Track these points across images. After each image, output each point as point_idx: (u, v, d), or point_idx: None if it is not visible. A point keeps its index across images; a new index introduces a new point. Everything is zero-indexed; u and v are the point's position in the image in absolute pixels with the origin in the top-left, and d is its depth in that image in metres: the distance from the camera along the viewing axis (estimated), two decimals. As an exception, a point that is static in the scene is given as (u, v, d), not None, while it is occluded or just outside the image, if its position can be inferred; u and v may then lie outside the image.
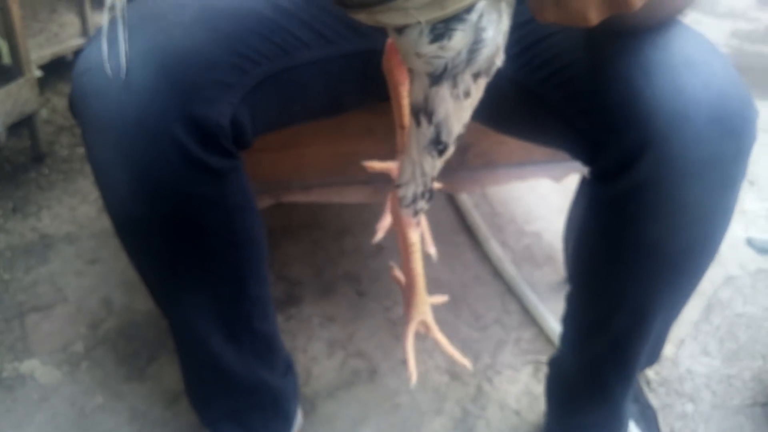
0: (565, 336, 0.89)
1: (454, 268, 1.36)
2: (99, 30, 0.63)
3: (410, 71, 0.57)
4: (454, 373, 1.12)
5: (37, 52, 1.76)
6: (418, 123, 0.58)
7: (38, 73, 1.63)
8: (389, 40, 0.68)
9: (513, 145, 1.04)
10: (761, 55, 2.53)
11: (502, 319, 1.24)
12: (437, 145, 0.59)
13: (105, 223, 1.40)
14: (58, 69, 1.87)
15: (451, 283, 1.31)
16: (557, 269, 1.37)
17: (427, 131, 0.57)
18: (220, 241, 0.71)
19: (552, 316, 1.21)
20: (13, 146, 1.65)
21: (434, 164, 0.61)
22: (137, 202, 0.64)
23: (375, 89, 0.83)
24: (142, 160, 0.61)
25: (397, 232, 0.69)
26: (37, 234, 1.37)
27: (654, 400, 1.08)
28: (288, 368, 0.91)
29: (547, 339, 1.19)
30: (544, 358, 1.15)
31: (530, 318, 1.24)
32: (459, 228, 1.49)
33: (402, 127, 0.72)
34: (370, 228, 1.47)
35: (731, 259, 1.41)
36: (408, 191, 0.64)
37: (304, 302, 1.24)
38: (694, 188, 0.65)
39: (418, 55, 0.52)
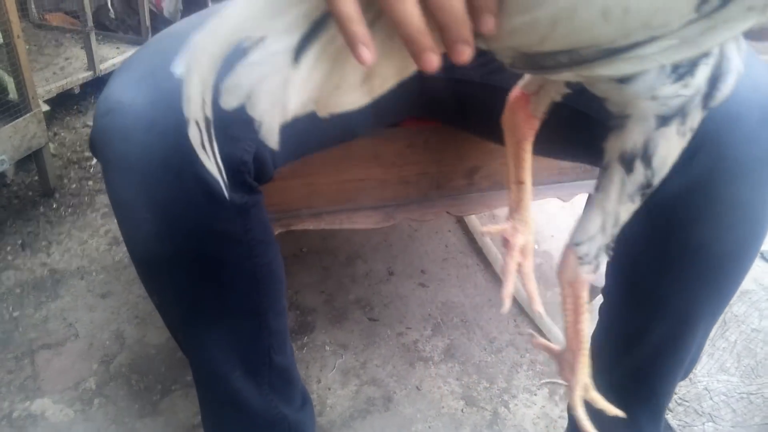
0: (596, 352, 0.87)
1: (466, 291, 1.35)
2: (123, 70, 0.64)
3: (618, 119, 0.51)
4: (469, 398, 1.10)
5: (44, 86, 1.78)
6: (630, 170, 0.52)
7: (45, 108, 1.64)
8: (513, 93, 0.62)
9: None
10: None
11: (516, 341, 1.22)
12: (647, 188, 0.53)
13: (116, 256, 1.40)
14: (65, 102, 1.88)
15: (464, 306, 1.30)
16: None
17: (641, 176, 0.52)
18: (241, 276, 0.71)
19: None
20: (21, 181, 1.66)
21: (632, 211, 0.55)
22: (161, 241, 0.64)
23: (385, 116, 0.83)
24: (167, 200, 0.61)
25: (566, 293, 0.63)
26: (47, 269, 1.37)
27: (673, 420, 1.07)
28: (305, 400, 0.91)
29: (563, 360, 1.18)
30: (560, 379, 1.14)
31: (544, 339, 1.23)
32: (470, 250, 1.48)
33: (519, 182, 0.66)
34: (380, 252, 1.47)
35: (745, 273, 1.40)
36: (593, 247, 0.57)
37: (316, 330, 1.23)
38: (744, 188, 0.65)
39: (654, 98, 0.46)
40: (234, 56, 0.43)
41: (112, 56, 2.04)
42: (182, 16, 1.03)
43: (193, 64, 0.43)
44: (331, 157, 0.95)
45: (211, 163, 0.47)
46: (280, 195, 0.99)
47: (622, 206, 0.53)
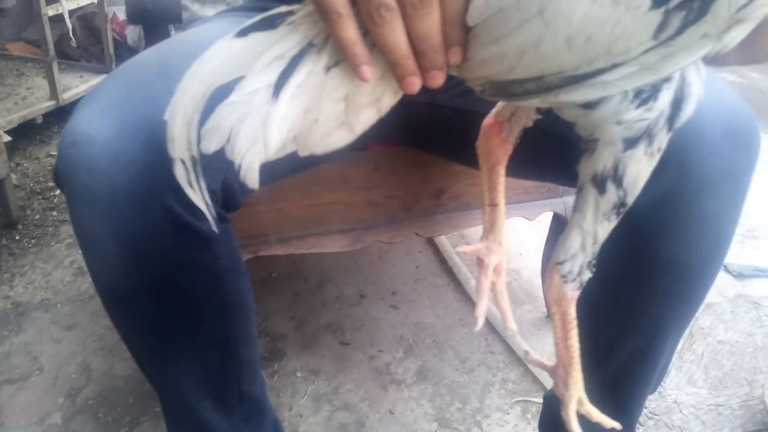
0: None
1: (438, 311, 1.35)
2: (88, 100, 0.63)
3: (587, 142, 0.53)
4: (443, 420, 1.10)
5: (5, 116, 1.75)
6: (603, 191, 0.54)
7: (6, 138, 1.62)
8: (487, 119, 0.64)
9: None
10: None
11: (488, 361, 1.23)
12: (621, 208, 0.55)
13: (81, 286, 1.37)
14: (27, 133, 1.86)
15: (435, 327, 1.30)
16: (538, 306, 1.38)
17: (613, 197, 0.54)
18: (210, 306, 0.70)
19: (537, 354, 1.20)
20: (-17, 213, 1.63)
21: (610, 229, 0.57)
22: (127, 272, 0.63)
23: (356, 142, 0.83)
24: (132, 231, 0.60)
25: (553, 311, 0.64)
26: (10, 302, 1.34)
27: (645, 434, 1.08)
28: (276, 429, 0.89)
29: (534, 378, 1.19)
30: (532, 397, 1.15)
31: (515, 358, 1.23)
32: (440, 270, 1.49)
33: (493, 205, 0.68)
34: (351, 275, 1.47)
35: (709, 286, 1.43)
36: (575, 265, 0.59)
37: (287, 357, 1.22)
38: (710, 200, 0.67)
39: (619, 122, 0.49)
40: (216, 98, 0.44)
41: (76, 85, 2.02)
42: (145, 45, 1.03)
43: (178, 105, 0.44)
44: (298, 181, 0.96)
45: (200, 199, 0.48)
46: (248, 221, 0.99)
47: (598, 225, 0.56)
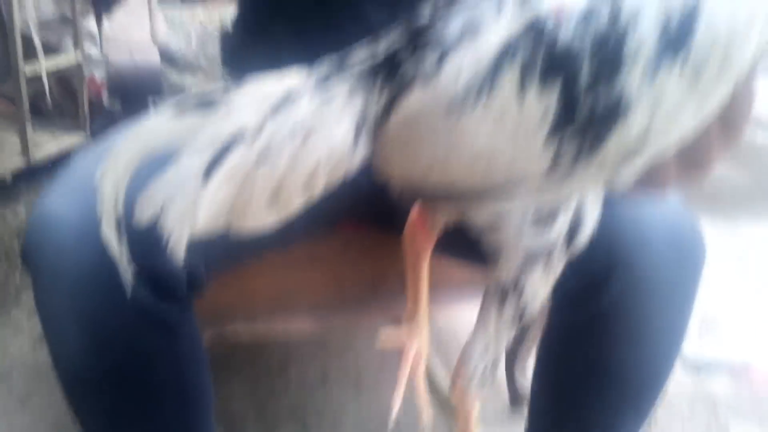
0: None
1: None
2: (59, 180, 0.65)
3: (498, 252, 0.57)
4: None
5: (-26, 174, 1.74)
6: (503, 300, 0.58)
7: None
8: (414, 211, 0.68)
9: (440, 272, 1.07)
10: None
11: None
12: (521, 318, 0.59)
13: (39, 357, 1.35)
14: (-6, 191, 1.84)
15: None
16: (500, 394, 1.38)
17: (514, 307, 0.58)
18: (169, 395, 0.70)
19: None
20: (-58, 274, 1.60)
21: (508, 336, 0.61)
22: (87, 354, 0.64)
23: (320, 222, 0.86)
24: (95, 313, 0.61)
25: (458, 411, 0.67)
26: (-36, 371, 1.31)
27: None
28: None
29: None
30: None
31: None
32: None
33: (416, 292, 0.71)
34: (315, 356, 1.47)
35: (667, 379, 1.46)
36: (480, 365, 0.63)
37: (247, 441, 1.21)
38: (656, 310, 0.71)
39: (520, 241, 0.53)
40: (149, 170, 0.45)
41: (48, 143, 2.02)
42: (122, 108, 1.06)
43: (109, 168, 0.47)
44: (265, 260, 0.96)
45: (123, 260, 0.49)
46: (213, 299, 0.99)
47: (500, 331, 0.61)
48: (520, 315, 0.59)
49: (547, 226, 0.53)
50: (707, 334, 1.68)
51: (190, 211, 0.45)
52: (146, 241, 0.60)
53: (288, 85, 0.48)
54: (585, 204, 0.53)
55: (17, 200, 1.96)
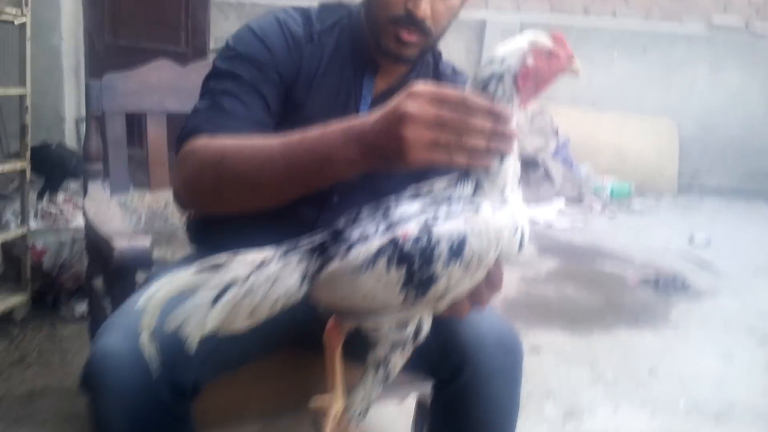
0: None
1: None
2: (110, 326, 0.98)
3: (373, 342, 0.94)
4: None
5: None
6: (376, 370, 0.95)
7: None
8: (330, 323, 1.02)
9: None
10: (544, 295, 3.18)
11: None
12: (386, 380, 0.96)
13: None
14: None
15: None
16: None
17: (382, 373, 0.95)
18: None
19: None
20: None
21: (379, 391, 0.97)
22: None
23: (270, 344, 1.19)
24: (138, 411, 0.93)
25: None
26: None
27: None
28: None
29: None
30: None
31: None
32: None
33: (333, 372, 1.03)
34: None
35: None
36: (357, 409, 0.98)
37: None
38: (493, 388, 1.12)
39: (387, 336, 0.93)
40: (177, 300, 0.82)
41: (-7, 305, 2.25)
42: (110, 291, 1.35)
43: (150, 298, 0.83)
44: (220, 380, 1.13)
45: (151, 356, 0.84)
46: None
47: (373, 388, 0.98)
48: (386, 378, 0.97)
49: (403, 329, 0.92)
50: (569, 423, 2.07)
51: (202, 322, 0.83)
52: (168, 357, 0.93)
53: (264, 255, 0.88)
54: (423, 319, 0.94)
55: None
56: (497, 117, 0.83)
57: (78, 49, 4.15)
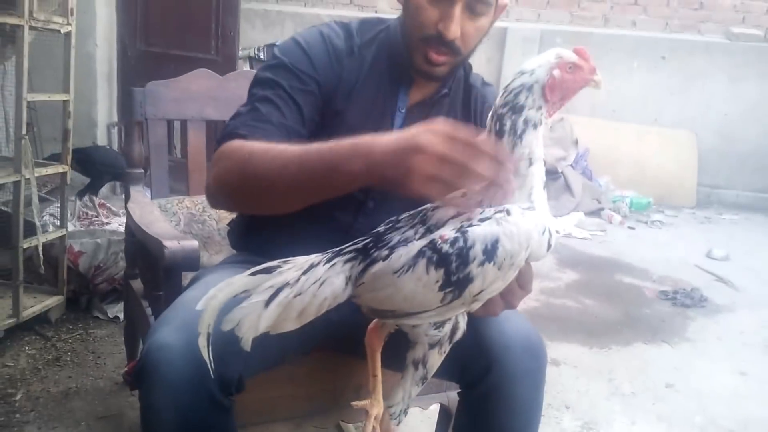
0: None
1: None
2: (164, 320, 1.05)
3: (413, 343, 1.00)
4: None
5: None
6: (416, 368, 1.01)
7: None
8: (371, 325, 1.08)
9: (391, 381, 1.45)
10: (564, 307, 3.23)
11: None
12: (424, 380, 1.02)
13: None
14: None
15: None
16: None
17: (421, 372, 1.01)
18: None
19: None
20: (-50, 417, 1.84)
21: (418, 390, 1.03)
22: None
23: (304, 345, 1.26)
24: (188, 404, 1.00)
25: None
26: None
27: None
28: None
29: None
30: None
31: None
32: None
33: (374, 376, 1.08)
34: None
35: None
36: (398, 408, 1.04)
37: None
38: (519, 389, 1.17)
39: (426, 335, 0.99)
40: (232, 302, 0.89)
41: (32, 305, 2.33)
42: (164, 290, 1.42)
43: (210, 301, 0.90)
44: (254, 380, 1.18)
45: (207, 358, 0.91)
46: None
47: (413, 387, 1.04)
48: (424, 378, 1.03)
49: (440, 328, 0.98)
50: (587, 434, 2.12)
51: (256, 323, 0.90)
52: (216, 352, 1.00)
53: (312, 259, 0.95)
54: (459, 319, 1.00)
55: (3, 354, 2.24)
56: (500, 164, 0.89)
57: (111, 56, 4.26)
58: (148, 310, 1.68)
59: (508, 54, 5.67)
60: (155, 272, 1.56)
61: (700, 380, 2.54)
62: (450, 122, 0.90)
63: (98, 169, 3.16)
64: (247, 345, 0.89)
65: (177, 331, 1.03)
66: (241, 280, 0.92)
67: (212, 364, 0.92)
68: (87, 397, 2.04)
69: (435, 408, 1.63)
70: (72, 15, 2.25)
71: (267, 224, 1.28)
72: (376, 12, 6.10)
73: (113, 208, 3.40)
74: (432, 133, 0.88)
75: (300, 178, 1.01)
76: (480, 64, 5.48)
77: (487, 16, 1.18)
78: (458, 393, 1.29)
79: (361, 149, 0.95)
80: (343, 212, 1.23)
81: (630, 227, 4.83)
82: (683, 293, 3.41)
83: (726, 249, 4.25)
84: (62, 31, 2.25)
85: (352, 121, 1.22)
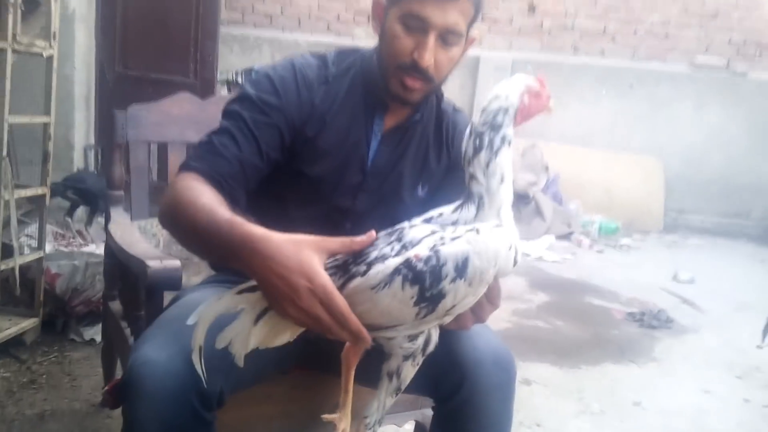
0: None
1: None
2: (148, 336, 1.09)
3: (388, 355, 1.04)
4: None
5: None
6: (390, 380, 1.06)
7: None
8: (349, 343, 1.10)
9: (368, 399, 1.49)
10: (535, 328, 3.29)
11: None
12: (398, 391, 1.07)
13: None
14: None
15: None
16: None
17: (395, 383, 1.05)
18: None
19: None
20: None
21: (392, 401, 1.08)
22: None
23: (282, 362, 1.30)
24: (172, 415, 1.04)
25: None
26: None
27: None
28: None
29: None
30: None
31: None
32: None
33: (346, 391, 1.12)
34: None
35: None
36: (373, 419, 1.09)
37: None
38: (490, 402, 1.22)
39: (401, 347, 1.03)
40: (225, 320, 0.95)
41: (6, 327, 2.33)
42: (146, 306, 1.45)
43: (199, 321, 0.96)
44: (232, 398, 1.21)
45: (200, 370, 0.97)
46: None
47: (387, 398, 1.09)
48: (398, 389, 1.08)
49: (414, 341, 1.02)
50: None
51: (247, 340, 0.95)
52: (201, 378, 1.04)
53: None
54: (432, 332, 1.04)
55: (-20, 375, 2.24)
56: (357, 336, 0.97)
57: (89, 79, 4.28)
58: (127, 331, 1.70)
59: (481, 81, 5.80)
60: (136, 292, 1.59)
61: (666, 398, 2.61)
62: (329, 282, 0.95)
63: (94, 194, 3.18)
64: (240, 361, 0.95)
65: (160, 347, 1.07)
66: (230, 297, 0.97)
67: (205, 375, 0.97)
68: (63, 419, 2.04)
69: (410, 427, 1.67)
70: (55, 39, 2.29)
71: None
72: (352, 38, 6.20)
73: (87, 237, 3.38)
74: (309, 290, 0.93)
75: (207, 245, 1.06)
76: (454, 90, 5.60)
77: (459, 47, 1.25)
78: (432, 408, 1.34)
79: (256, 242, 0.96)
80: (323, 233, 1.27)
81: (599, 251, 4.94)
82: (650, 315, 3.50)
83: (691, 272, 4.37)
84: (45, 55, 2.28)
85: (325, 146, 1.27)
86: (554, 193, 5.41)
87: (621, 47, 6.19)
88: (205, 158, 1.19)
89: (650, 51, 6.18)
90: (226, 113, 1.26)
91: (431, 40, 1.20)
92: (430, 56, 1.20)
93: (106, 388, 1.97)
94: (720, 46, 6.14)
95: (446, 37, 1.21)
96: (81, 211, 3.45)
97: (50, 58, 2.31)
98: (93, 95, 4.30)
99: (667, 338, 3.26)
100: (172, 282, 1.35)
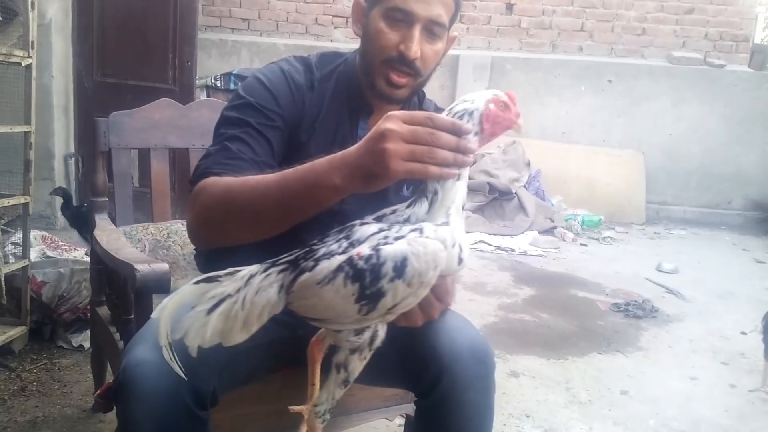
0: None
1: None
2: (140, 338, 1.09)
3: (337, 348, 1.05)
4: None
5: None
6: (338, 371, 1.06)
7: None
8: (314, 338, 1.13)
9: (360, 395, 1.52)
10: (521, 321, 3.32)
11: None
12: (346, 383, 1.07)
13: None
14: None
15: None
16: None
17: (343, 375, 1.06)
18: None
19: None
20: None
21: (341, 392, 1.09)
22: None
23: (271, 362, 1.31)
24: (164, 414, 1.05)
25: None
26: None
27: None
28: None
29: None
30: None
31: None
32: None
33: (313, 384, 1.14)
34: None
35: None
36: (322, 408, 1.09)
37: None
38: (469, 395, 1.23)
39: (347, 341, 1.03)
40: (183, 311, 0.96)
41: (-6, 336, 2.33)
42: (135, 310, 1.46)
43: (162, 312, 0.97)
44: (224, 399, 1.23)
45: (176, 367, 0.98)
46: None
47: (336, 389, 1.09)
48: (346, 380, 1.08)
49: (360, 335, 1.02)
50: (548, 441, 2.20)
51: (202, 332, 0.97)
52: (189, 365, 1.05)
53: (251, 270, 1.01)
54: (378, 328, 1.05)
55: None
56: (458, 130, 0.99)
57: (67, 87, 4.25)
58: (116, 336, 1.71)
59: (461, 81, 5.83)
60: (125, 297, 1.60)
61: (653, 386, 2.65)
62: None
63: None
64: (193, 352, 0.96)
65: (152, 348, 1.07)
66: (186, 288, 0.99)
67: (183, 369, 0.98)
68: (55, 425, 2.05)
69: (400, 421, 1.69)
70: (33, 48, 2.29)
71: (235, 248, 1.33)
72: (331, 41, 6.22)
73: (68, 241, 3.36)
74: (393, 119, 0.97)
75: (283, 200, 1.08)
76: (434, 90, 5.63)
77: (442, 41, 1.28)
78: (414, 402, 1.35)
79: (336, 160, 1.02)
80: (309, 233, 1.28)
81: (582, 244, 4.98)
82: (635, 305, 3.54)
83: (675, 262, 4.42)
84: (23, 64, 2.28)
85: (315, 152, 1.27)
86: (537, 188, 5.45)
87: (599, 44, 6.26)
88: (225, 163, 1.20)
89: (628, 47, 6.25)
90: (229, 121, 1.27)
91: (417, 31, 1.22)
92: (417, 47, 1.23)
93: (98, 392, 1.98)
94: (696, 40, 6.23)
95: (431, 29, 1.24)
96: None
97: (29, 66, 2.30)
98: (72, 104, 4.28)
99: (653, 327, 3.30)
100: (161, 284, 1.36)
